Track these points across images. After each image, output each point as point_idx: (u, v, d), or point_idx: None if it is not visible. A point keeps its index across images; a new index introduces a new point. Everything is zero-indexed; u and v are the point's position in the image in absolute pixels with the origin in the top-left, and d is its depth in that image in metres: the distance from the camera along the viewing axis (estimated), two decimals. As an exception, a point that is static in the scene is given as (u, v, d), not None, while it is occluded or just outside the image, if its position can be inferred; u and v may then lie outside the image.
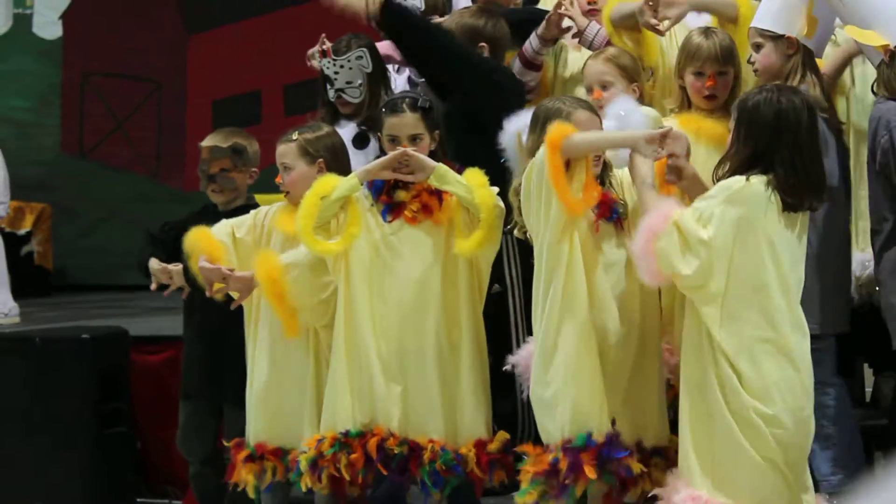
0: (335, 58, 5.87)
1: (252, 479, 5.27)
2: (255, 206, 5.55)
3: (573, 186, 4.45)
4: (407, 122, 5.06)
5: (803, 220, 4.41)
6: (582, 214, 4.50)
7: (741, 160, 4.39)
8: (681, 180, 4.52)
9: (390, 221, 5.02)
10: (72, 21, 11.90)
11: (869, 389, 6.20)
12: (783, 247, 4.35)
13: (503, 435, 5.01)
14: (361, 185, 5.00)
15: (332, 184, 4.99)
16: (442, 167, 4.95)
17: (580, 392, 4.47)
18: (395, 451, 4.92)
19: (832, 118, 4.97)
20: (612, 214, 4.65)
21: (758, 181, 4.32)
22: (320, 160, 5.23)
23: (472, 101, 5.56)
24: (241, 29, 11.45)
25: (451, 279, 5.02)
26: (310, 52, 6.23)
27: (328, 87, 5.91)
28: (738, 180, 4.33)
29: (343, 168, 5.26)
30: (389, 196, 5.02)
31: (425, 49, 5.65)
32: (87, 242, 11.59)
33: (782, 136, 4.34)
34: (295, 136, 5.28)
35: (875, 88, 4.96)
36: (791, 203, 4.33)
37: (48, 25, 11.95)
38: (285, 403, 5.25)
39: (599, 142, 4.61)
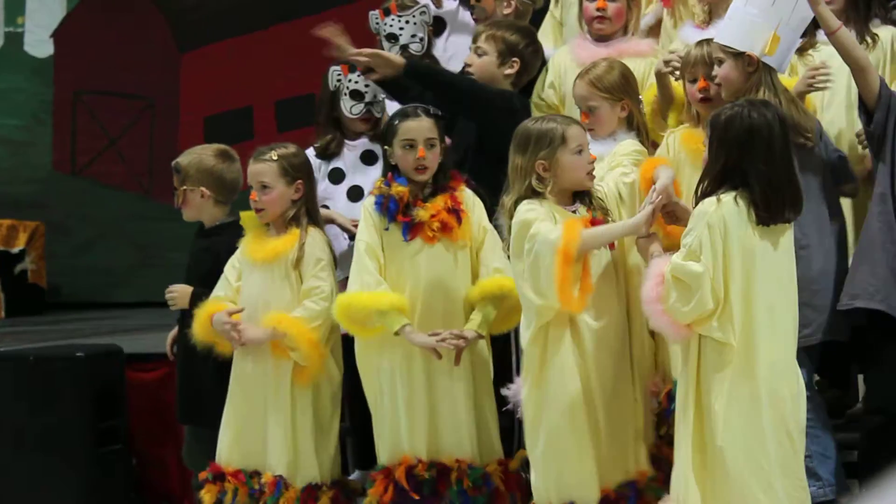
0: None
1: (209, 500, 5.30)
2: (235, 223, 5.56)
3: (571, 278, 4.52)
4: (424, 125, 5.10)
5: (782, 231, 4.45)
6: (581, 310, 4.60)
7: (713, 175, 4.44)
8: (678, 221, 4.63)
9: (410, 240, 5.05)
10: (63, 39, 11.89)
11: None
12: (765, 260, 4.40)
13: (522, 453, 5.03)
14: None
15: (366, 307, 5.00)
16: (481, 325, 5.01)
17: (565, 464, 4.59)
18: (426, 477, 4.97)
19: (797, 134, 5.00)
20: None
21: (728, 199, 4.38)
22: (299, 181, 5.28)
23: (492, 131, 5.49)
24: (233, 46, 11.45)
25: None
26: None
27: (355, 101, 5.77)
28: (710, 203, 4.39)
29: (312, 188, 5.35)
30: (407, 215, 5.05)
31: (452, 102, 5.56)
32: (80, 260, 11.57)
33: (755, 151, 4.39)
34: (275, 155, 5.30)
35: None
36: (764, 216, 4.38)
37: (40, 44, 11.93)
38: (249, 426, 5.29)
39: (605, 237, 4.69)
